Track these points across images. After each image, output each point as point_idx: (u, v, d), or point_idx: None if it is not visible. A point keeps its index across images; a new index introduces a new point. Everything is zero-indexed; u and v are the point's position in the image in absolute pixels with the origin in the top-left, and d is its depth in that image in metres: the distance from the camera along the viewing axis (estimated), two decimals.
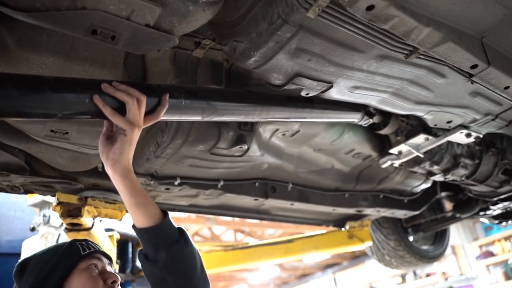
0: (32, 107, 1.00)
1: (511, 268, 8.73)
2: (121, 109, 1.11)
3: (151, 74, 1.67)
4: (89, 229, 2.14)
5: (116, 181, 1.12)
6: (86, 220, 2.10)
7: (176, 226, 1.19)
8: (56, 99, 1.02)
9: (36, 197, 2.96)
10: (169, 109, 1.20)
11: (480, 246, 9.62)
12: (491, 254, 9.34)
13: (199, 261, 1.21)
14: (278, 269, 14.82)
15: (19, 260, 1.50)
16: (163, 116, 1.21)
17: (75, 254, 1.42)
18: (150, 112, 1.17)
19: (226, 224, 11.08)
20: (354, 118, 1.81)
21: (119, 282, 1.43)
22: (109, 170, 1.13)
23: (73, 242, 1.48)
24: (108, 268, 1.47)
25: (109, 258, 1.52)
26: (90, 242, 1.52)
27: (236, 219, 10.41)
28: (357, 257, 13.53)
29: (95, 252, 1.46)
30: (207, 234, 11.63)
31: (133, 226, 1.17)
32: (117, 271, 2.70)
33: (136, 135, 1.13)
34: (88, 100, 1.06)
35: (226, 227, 11.70)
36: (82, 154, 1.73)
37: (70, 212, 2.01)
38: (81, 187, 2.01)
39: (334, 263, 14.64)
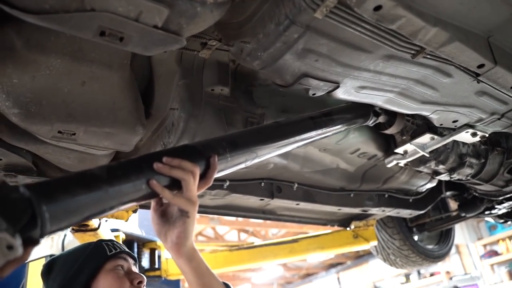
0: (92, 209, 0.89)
1: None
2: (175, 184, 1.03)
3: (157, 75, 1.68)
4: (95, 229, 2.14)
5: (181, 265, 1.07)
6: (92, 220, 2.11)
7: None
8: (114, 194, 0.92)
9: None
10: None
11: (485, 245, 9.62)
12: (495, 253, 9.34)
13: None
14: (281, 269, 14.82)
15: (47, 260, 1.53)
16: None
17: (102, 254, 1.44)
18: (201, 177, 1.08)
19: (229, 224, 11.11)
20: (365, 120, 1.82)
21: (145, 283, 1.45)
22: (173, 254, 1.07)
23: (99, 242, 1.51)
24: (134, 268, 1.50)
25: (134, 258, 1.54)
26: (115, 243, 1.54)
27: (240, 219, 10.42)
28: (360, 257, 13.53)
29: (121, 252, 1.48)
30: (210, 234, 11.66)
31: None
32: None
33: (196, 211, 1.05)
34: (145, 186, 0.98)
35: (229, 227, 11.73)
36: (89, 155, 1.73)
37: None
38: None
39: (337, 263, 14.65)
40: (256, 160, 1.36)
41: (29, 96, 1.35)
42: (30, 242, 0.73)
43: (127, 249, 1.54)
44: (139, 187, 0.97)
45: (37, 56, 1.29)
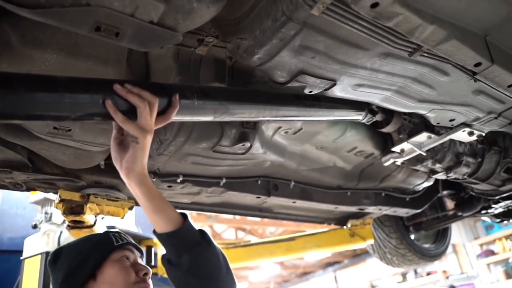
0: (45, 109, 0.97)
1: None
2: (132, 111, 1.08)
3: (154, 71, 1.67)
4: (91, 226, 2.14)
5: (133, 189, 1.12)
6: (88, 217, 2.10)
7: (197, 228, 1.19)
8: (70, 100, 0.99)
9: (38, 195, 2.97)
10: (181, 109, 1.19)
11: (481, 245, 9.64)
12: (492, 253, 9.37)
13: (223, 262, 1.19)
14: (279, 267, 14.83)
15: (54, 249, 1.53)
16: (176, 117, 1.19)
17: (108, 244, 1.44)
18: (161, 113, 1.14)
19: (227, 222, 11.10)
20: (358, 116, 1.82)
21: (150, 275, 1.45)
22: (124, 178, 1.12)
23: (107, 233, 1.51)
24: (140, 260, 1.49)
25: (140, 251, 1.54)
26: (122, 234, 1.54)
27: (237, 217, 10.42)
28: (358, 256, 13.55)
29: (128, 243, 1.48)
30: (208, 232, 11.64)
31: (154, 232, 1.17)
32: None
33: (148, 140, 1.11)
34: (101, 102, 1.04)
35: (227, 225, 11.72)
36: (85, 151, 1.73)
37: (73, 210, 2.02)
38: (83, 184, 2.01)
39: (335, 261, 14.66)
40: (227, 118, 1.40)
41: None
42: None
43: (133, 241, 1.53)
44: (95, 102, 1.04)
45: (33, 51, 1.29)
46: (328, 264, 14.99)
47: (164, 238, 1.15)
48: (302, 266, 15.29)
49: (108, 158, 1.89)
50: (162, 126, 1.17)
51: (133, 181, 1.10)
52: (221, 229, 12.09)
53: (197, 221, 9.69)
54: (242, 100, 1.43)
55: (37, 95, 0.94)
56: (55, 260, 1.45)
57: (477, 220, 9.82)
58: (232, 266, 1.25)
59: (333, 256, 13.96)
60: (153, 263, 3.48)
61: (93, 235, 1.54)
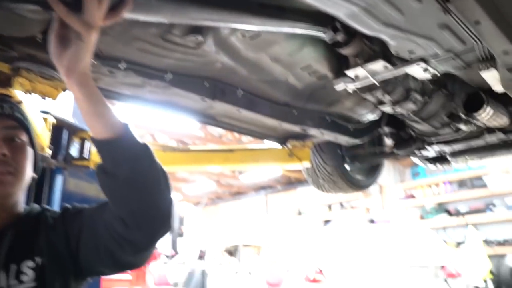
0: None
1: (426, 211, 9.72)
2: (78, 3, 0.98)
3: None
4: (19, 103, 1.98)
5: (73, 89, 1.06)
6: (17, 93, 1.94)
7: (140, 141, 1.12)
8: None
9: None
10: (135, 7, 1.08)
11: (405, 190, 10.46)
12: (412, 197, 10.25)
13: (163, 180, 1.14)
14: (214, 184, 15.23)
15: None
16: (127, 15, 1.09)
17: None
18: (111, 9, 1.03)
19: (169, 134, 11.05)
20: (321, 31, 1.77)
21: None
22: (64, 77, 1.05)
23: None
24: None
25: (13, 118, 1.28)
26: None
27: (180, 130, 10.38)
28: (291, 184, 14.15)
29: None
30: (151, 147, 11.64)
31: (92, 138, 1.09)
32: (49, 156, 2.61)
33: (93, 38, 1.03)
34: None
35: (168, 136, 11.71)
36: (19, 17, 1.54)
37: None
38: (15, 55, 1.82)
39: (268, 186, 15.25)
40: (185, 21, 1.43)
41: None
42: None
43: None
44: None
45: None
46: (261, 187, 15.58)
47: (102, 145, 1.09)
48: (237, 186, 15.81)
49: (47, 31, 1.71)
50: (110, 23, 1.05)
51: (74, 82, 1.04)
52: (162, 140, 12.09)
53: (139, 128, 9.55)
54: (203, 3, 1.34)
55: None
56: None
57: (406, 166, 10.50)
58: (168, 169, 1.19)
59: (267, 181, 14.49)
60: (86, 156, 3.38)
61: None
